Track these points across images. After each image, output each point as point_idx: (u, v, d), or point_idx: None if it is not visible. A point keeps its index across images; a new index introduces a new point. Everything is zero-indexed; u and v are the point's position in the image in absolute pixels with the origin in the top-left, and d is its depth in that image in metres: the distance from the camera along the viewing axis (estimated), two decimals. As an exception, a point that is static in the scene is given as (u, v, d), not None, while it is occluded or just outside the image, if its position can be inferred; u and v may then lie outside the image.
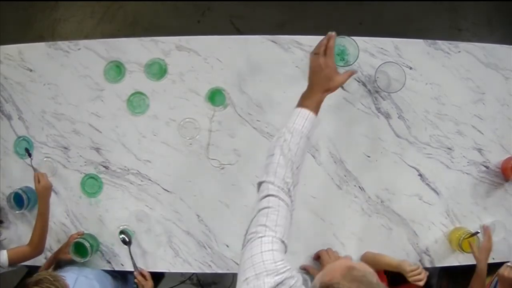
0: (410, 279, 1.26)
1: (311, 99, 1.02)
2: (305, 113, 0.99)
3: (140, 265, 1.47)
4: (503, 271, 1.24)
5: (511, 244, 1.47)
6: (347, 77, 1.07)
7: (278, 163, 0.93)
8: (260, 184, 0.95)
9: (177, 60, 1.53)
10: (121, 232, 1.46)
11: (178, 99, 1.52)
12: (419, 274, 1.26)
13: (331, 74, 1.04)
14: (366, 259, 1.42)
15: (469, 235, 1.36)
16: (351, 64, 1.25)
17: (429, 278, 1.58)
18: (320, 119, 1.02)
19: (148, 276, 1.41)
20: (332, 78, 1.04)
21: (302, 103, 1.02)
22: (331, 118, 1.50)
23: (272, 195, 0.90)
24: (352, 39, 1.26)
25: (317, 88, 1.04)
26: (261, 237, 0.83)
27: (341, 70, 1.08)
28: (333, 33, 1.06)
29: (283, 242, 0.85)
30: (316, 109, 1.01)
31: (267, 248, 0.81)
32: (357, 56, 1.27)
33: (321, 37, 1.52)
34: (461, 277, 1.49)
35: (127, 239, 1.45)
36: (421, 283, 1.26)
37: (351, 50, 1.29)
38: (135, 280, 1.40)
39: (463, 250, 1.36)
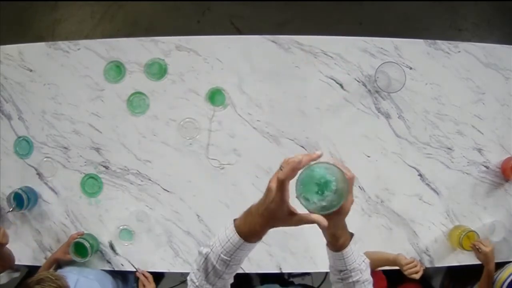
0: (406, 273, 1.26)
1: (251, 222, 0.73)
2: (230, 233, 0.74)
3: (140, 265, 1.47)
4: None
5: (511, 244, 1.47)
6: (302, 223, 0.72)
7: (193, 278, 0.78)
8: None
9: (177, 60, 1.53)
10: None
11: (178, 99, 1.52)
12: (415, 266, 1.26)
13: (278, 212, 0.70)
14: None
15: (469, 232, 1.36)
16: (329, 210, 0.71)
17: (429, 278, 1.59)
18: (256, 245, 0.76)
19: (151, 278, 1.41)
20: (279, 217, 0.71)
21: (241, 220, 0.75)
22: (331, 118, 1.50)
23: None
24: (343, 174, 0.71)
25: (258, 217, 0.72)
26: None
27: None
28: (316, 154, 0.68)
29: None
30: (250, 237, 0.73)
31: None
32: (340, 201, 0.73)
33: (321, 37, 1.55)
34: (462, 276, 1.49)
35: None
36: (417, 276, 1.26)
37: (339, 186, 0.72)
38: (137, 274, 1.38)
39: (464, 248, 1.36)
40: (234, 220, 0.76)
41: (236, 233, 0.73)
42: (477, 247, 1.33)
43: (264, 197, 0.71)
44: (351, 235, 0.83)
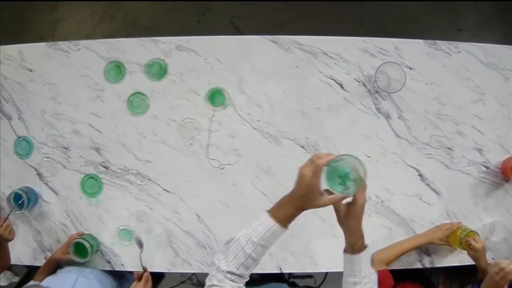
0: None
1: (284, 210, 0.90)
2: (269, 225, 0.89)
3: (140, 265, 1.47)
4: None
5: (511, 244, 1.47)
6: (330, 202, 0.88)
7: (219, 264, 0.90)
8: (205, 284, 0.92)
9: (177, 60, 1.53)
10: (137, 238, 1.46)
11: (178, 99, 1.52)
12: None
13: (310, 195, 0.87)
14: (379, 258, 1.41)
15: (469, 231, 1.36)
16: (351, 195, 0.90)
17: (430, 276, 1.59)
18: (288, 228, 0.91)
19: (149, 280, 1.40)
20: (311, 198, 0.87)
21: (275, 209, 0.91)
22: (331, 118, 1.50)
23: (215, 285, 0.88)
24: (362, 165, 0.89)
25: (293, 201, 0.89)
26: None
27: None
28: (333, 155, 0.87)
29: None
30: (285, 222, 0.90)
31: None
32: (359, 186, 0.89)
33: (321, 37, 1.55)
34: (460, 273, 1.49)
35: (141, 243, 1.45)
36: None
37: (357, 177, 0.91)
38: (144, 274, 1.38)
39: (464, 248, 1.36)
40: (268, 212, 0.91)
41: (277, 224, 0.88)
42: (468, 243, 1.32)
43: (297, 184, 0.88)
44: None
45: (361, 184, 0.88)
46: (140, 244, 1.44)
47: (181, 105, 1.52)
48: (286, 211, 0.89)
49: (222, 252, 0.90)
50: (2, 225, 1.34)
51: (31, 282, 1.25)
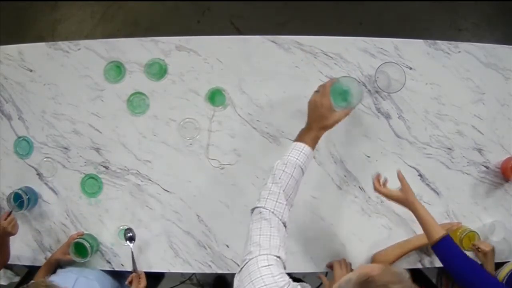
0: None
1: (307, 135, 1.08)
2: (300, 146, 1.05)
3: (140, 265, 1.47)
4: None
5: (511, 244, 1.47)
6: (343, 115, 1.11)
7: (270, 191, 0.97)
8: (252, 210, 0.97)
9: (177, 60, 1.53)
10: (128, 230, 1.46)
11: (178, 99, 1.52)
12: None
13: (325, 113, 1.09)
14: (380, 259, 1.41)
15: (470, 231, 1.36)
16: (354, 107, 1.17)
17: (429, 278, 1.59)
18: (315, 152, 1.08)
19: (143, 278, 1.40)
20: (327, 116, 1.09)
21: (298, 138, 1.08)
22: (331, 118, 1.50)
23: (265, 219, 0.92)
24: (357, 80, 1.20)
25: (313, 125, 1.09)
26: (256, 256, 0.85)
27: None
28: (334, 79, 1.12)
29: (279, 258, 0.86)
30: (312, 144, 1.07)
31: (263, 264, 0.83)
32: (360, 99, 1.19)
33: (321, 37, 1.55)
34: None
35: (133, 237, 1.45)
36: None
37: (354, 92, 1.19)
38: (130, 279, 1.39)
39: (464, 248, 1.36)
40: (295, 140, 1.07)
41: (306, 145, 1.05)
42: (477, 247, 1.34)
43: (311, 111, 1.11)
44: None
45: (358, 97, 1.15)
46: (130, 238, 1.44)
47: (181, 105, 1.52)
48: (310, 135, 1.07)
49: (266, 183, 0.99)
50: (6, 219, 1.35)
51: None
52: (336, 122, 1.11)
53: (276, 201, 0.95)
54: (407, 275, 0.76)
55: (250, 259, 0.85)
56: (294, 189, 1.01)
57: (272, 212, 0.93)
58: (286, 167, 1.01)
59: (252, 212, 0.97)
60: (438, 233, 1.15)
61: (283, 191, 0.97)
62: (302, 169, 1.03)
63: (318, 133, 1.09)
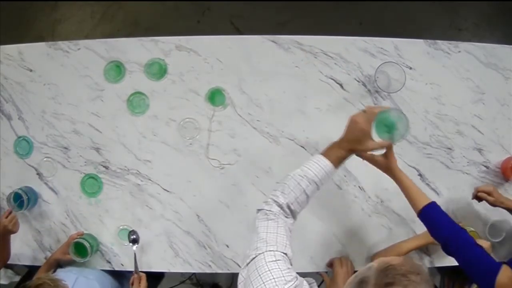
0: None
1: (335, 152, 1.02)
2: (323, 162, 0.99)
3: (140, 265, 1.47)
4: None
5: (511, 244, 1.47)
6: (377, 146, 1.04)
7: (277, 199, 0.95)
8: (258, 210, 0.97)
9: (177, 60, 1.53)
10: (132, 232, 1.46)
11: (178, 99, 1.52)
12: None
13: (361, 137, 1.02)
14: (382, 257, 1.41)
15: (469, 231, 1.36)
16: (392, 143, 1.09)
17: (431, 276, 1.59)
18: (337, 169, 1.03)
19: (144, 280, 1.40)
20: (361, 141, 1.02)
21: (325, 152, 1.02)
22: (331, 118, 1.50)
23: (271, 219, 0.92)
24: (407, 119, 1.07)
25: (344, 145, 1.02)
26: (263, 252, 0.85)
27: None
28: (387, 106, 1.07)
29: (285, 254, 0.86)
30: (336, 163, 1.01)
31: (271, 259, 0.83)
32: (403, 137, 1.09)
33: (321, 37, 1.55)
34: (462, 273, 1.49)
35: (137, 239, 1.45)
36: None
37: (400, 128, 1.09)
38: (132, 280, 1.39)
39: None
40: (321, 153, 1.01)
41: (330, 163, 0.99)
42: None
43: (349, 130, 1.03)
44: None
45: (403, 135, 1.07)
46: (134, 241, 1.44)
47: (181, 105, 1.52)
48: (338, 153, 1.01)
49: (277, 190, 0.97)
50: (7, 217, 1.36)
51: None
52: (368, 150, 1.05)
53: (281, 209, 0.95)
54: (426, 269, 0.77)
55: (257, 255, 0.85)
56: (303, 204, 0.98)
57: (278, 215, 0.93)
58: (302, 180, 0.96)
59: (257, 212, 0.97)
60: (424, 201, 1.10)
61: (291, 203, 0.95)
62: (317, 185, 0.98)
63: (346, 154, 1.02)
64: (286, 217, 0.95)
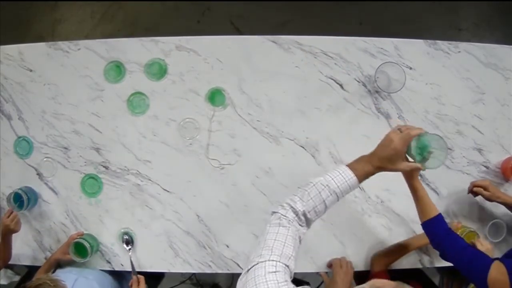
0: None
1: (362, 166, 0.99)
2: (348, 175, 0.96)
3: (140, 265, 1.47)
4: None
5: (511, 244, 1.47)
6: (407, 168, 1.00)
7: (295, 205, 0.93)
8: (273, 213, 0.95)
9: (177, 60, 1.53)
10: (125, 233, 1.47)
11: (178, 99, 1.52)
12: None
13: (393, 157, 0.98)
14: (379, 259, 1.42)
15: (470, 231, 1.36)
16: (424, 168, 1.02)
17: (429, 278, 1.59)
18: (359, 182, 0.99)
19: (142, 282, 1.40)
20: (392, 160, 0.99)
21: (353, 164, 1.00)
22: (331, 118, 1.50)
23: (283, 225, 0.90)
24: (447, 148, 1.03)
25: (374, 160, 0.99)
26: (265, 261, 0.84)
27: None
28: (423, 130, 1.00)
29: (287, 266, 0.85)
30: (362, 177, 0.98)
31: (270, 270, 0.82)
32: (436, 166, 1.01)
33: (321, 37, 1.55)
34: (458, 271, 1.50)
35: (130, 240, 1.46)
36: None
37: (436, 154, 1.03)
38: (131, 283, 1.39)
39: None
40: (348, 164, 0.98)
41: (355, 176, 0.96)
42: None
43: (382, 146, 0.99)
44: None
45: (440, 162, 1.00)
46: (128, 242, 1.44)
47: (181, 105, 1.52)
48: (366, 167, 0.98)
49: (297, 195, 0.94)
50: (8, 216, 1.37)
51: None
52: (397, 171, 1.02)
53: (297, 215, 0.93)
54: None
55: (259, 262, 0.84)
56: (319, 213, 0.96)
57: (292, 222, 0.92)
58: (323, 190, 0.94)
59: (271, 215, 0.95)
60: (431, 214, 1.14)
61: (308, 212, 0.93)
62: (338, 197, 0.96)
63: (374, 171, 0.99)
64: (300, 225, 0.93)
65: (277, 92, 1.51)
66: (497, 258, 1.06)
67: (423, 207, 1.15)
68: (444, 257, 1.13)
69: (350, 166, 0.98)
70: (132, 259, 1.44)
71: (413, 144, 0.99)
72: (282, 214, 0.92)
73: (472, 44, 1.53)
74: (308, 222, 0.95)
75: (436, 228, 1.13)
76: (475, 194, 1.41)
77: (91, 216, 1.51)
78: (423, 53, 1.52)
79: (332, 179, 0.95)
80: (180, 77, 1.53)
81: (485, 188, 1.37)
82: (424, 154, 1.01)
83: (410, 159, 1.01)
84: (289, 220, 0.91)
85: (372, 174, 0.99)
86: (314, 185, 0.95)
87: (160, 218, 1.50)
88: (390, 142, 0.98)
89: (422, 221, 1.16)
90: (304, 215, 0.93)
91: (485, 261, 1.04)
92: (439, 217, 1.13)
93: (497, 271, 1.00)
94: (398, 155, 0.98)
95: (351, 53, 1.52)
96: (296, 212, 0.92)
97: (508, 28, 2.46)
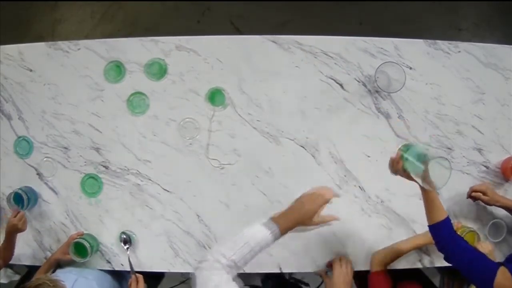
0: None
1: (283, 222, 1.03)
2: (265, 234, 0.99)
3: (140, 265, 1.47)
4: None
5: (511, 244, 1.47)
6: (319, 222, 1.09)
7: (216, 260, 0.96)
8: (199, 263, 0.98)
9: (177, 60, 1.53)
10: (123, 233, 1.46)
11: (178, 99, 1.52)
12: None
13: (310, 216, 1.07)
14: (379, 259, 1.41)
15: (470, 231, 1.36)
16: (437, 187, 1.07)
17: (429, 278, 1.59)
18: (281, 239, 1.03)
19: (141, 281, 1.40)
20: (309, 220, 1.07)
21: (276, 218, 1.04)
22: (331, 118, 1.50)
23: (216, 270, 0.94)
24: (450, 168, 1.08)
25: (293, 217, 1.05)
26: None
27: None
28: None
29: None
30: (282, 231, 1.02)
31: None
32: (448, 169, 1.06)
33: (321, 37, 1.55)
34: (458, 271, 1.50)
35: (128, 239, 1.45)
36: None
37: (432, 162, 1.07)
38: (130, 282, 1.39)
39: None
40: (270, 221, 1.02)
41: (271, 234, 0.99)
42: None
43: (297, 210, 1.07)
44: None
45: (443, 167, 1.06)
46: (125, 241, 1.44)
47: (181, 105, 1.52)
48: (286, 224, 1.03)
49: (224, 245, 0.98)
50: (16, 215, 1.37)
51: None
52: (314, 225, 1.09)
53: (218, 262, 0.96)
54: None
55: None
56: (249, 260, 0.99)
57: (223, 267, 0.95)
58: (243, 247, 0.98)
59: (195, 270, 0.97)
60: (439, 218, 1.14)
61: (238, 262, 0.96)
62: (257, 252, 1.00)
63: (293, 226, 1.05)
64: (227, 271, 0.95)
65: (277, 92, 1.51)
66: (499, 263, 1.06)
67: (431, 210, 1.16)
68: (448, 260, 1.13)
69: (273, 219, 1.03)
70: (130, 258, 1.44)
71: (410, 160, 1.06)
72: (214, 260, 0.96)
73: (472, 44, 1.53)
74: (238, 268, 0.97)
75: (443, 231, 1.14)
76: (474, 199, 1.42)
77: (91, 216, 1.51)
78: (423, 53, 1.52)
79: (252, 237, 1.00)
80: (180, 77, 1.53)
81: (483, 193, 1.38)
82: (424, 160, 1.05)
83: (416, 177, 1.07)
84: (223, 265, 0.95)
85: (291, 228, 1.05)
86: (236, 241, 0.99)
87: (160, 218, 1.50)
88: (318, 197, 1.08)
89: (430, 223, 1.16)
90: (235, 262, 0.96)
91: (491, 266, 1.04)
92: (447, 220, 1.14)
93: (503, 276, 1.01)
94: (312, 214, 1.07)
95: (351, 53, 1.52)
96: (226, 259, 0.96)
97: (508, 28, 2.46)
